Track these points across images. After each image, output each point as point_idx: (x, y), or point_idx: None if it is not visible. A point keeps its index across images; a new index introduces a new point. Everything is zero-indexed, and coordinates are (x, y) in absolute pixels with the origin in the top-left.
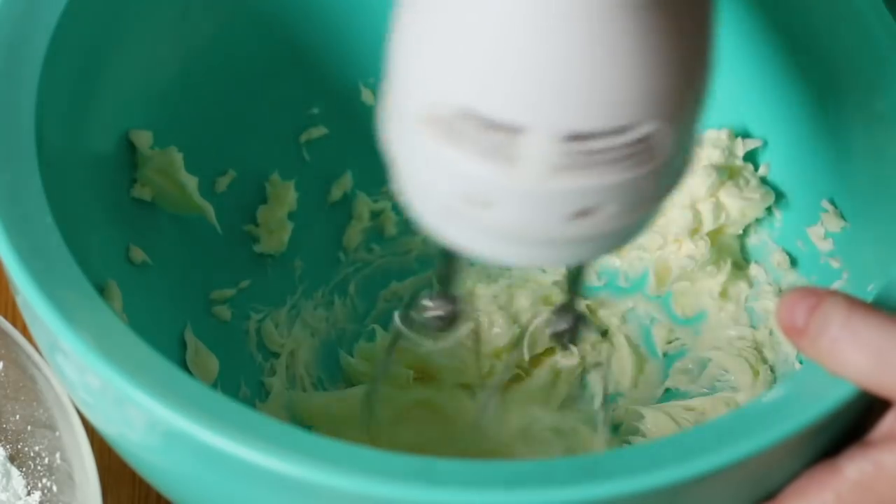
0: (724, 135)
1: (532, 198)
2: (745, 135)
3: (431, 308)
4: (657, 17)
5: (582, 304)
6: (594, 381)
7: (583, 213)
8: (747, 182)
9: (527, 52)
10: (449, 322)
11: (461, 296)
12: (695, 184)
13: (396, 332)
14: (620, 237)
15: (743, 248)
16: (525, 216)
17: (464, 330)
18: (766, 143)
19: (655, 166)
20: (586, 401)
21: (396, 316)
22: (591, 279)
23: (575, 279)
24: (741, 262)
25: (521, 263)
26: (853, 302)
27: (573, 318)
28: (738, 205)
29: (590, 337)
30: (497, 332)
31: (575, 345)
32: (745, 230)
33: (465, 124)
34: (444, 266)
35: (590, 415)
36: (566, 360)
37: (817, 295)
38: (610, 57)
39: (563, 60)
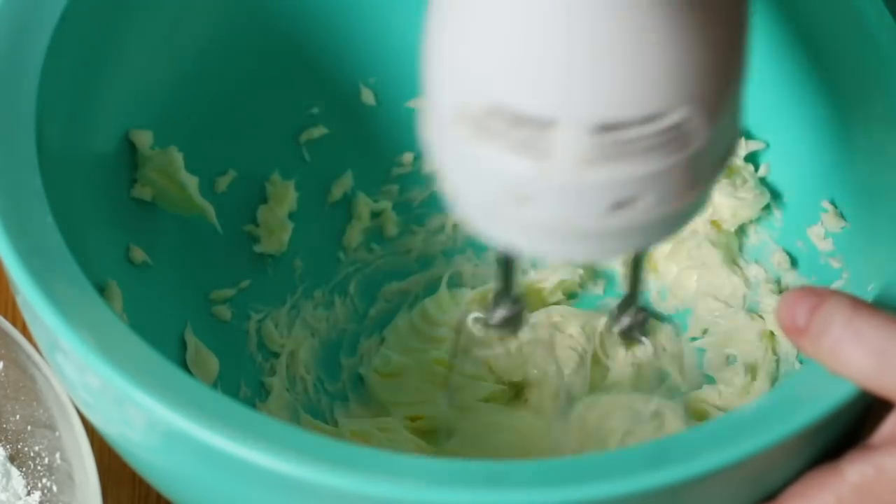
0: None
1: (568, 191)
2: (747, 136)
3: (499, 310)
4: (683, 1)
5: (644, 297)
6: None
7: (621, 205)
8: (744, 182)
9: (551, 45)
10: (513, 324)
11: (521, 296)
12: None
13: (462, 333)
14: (663, 228)
15: (743, 248)
16: (563, 209)
17: (527, 332)
18: (767, 144)
19: (691, 153)
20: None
21: (469, 318)
22: (592, 288)
23: (634, 272)
24: (741, 262)
25: (562, 259)
26: (856, 302)
27: (638, 311)
28: (730, 203)
29: (658, 326)
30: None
31: (646, 336)
32: (745, 230)
33: (496, 121)
34: (504, 268)
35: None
36: (642, 353)
37: (818, 295)
38: (636, 44)
39: (588, 51)
